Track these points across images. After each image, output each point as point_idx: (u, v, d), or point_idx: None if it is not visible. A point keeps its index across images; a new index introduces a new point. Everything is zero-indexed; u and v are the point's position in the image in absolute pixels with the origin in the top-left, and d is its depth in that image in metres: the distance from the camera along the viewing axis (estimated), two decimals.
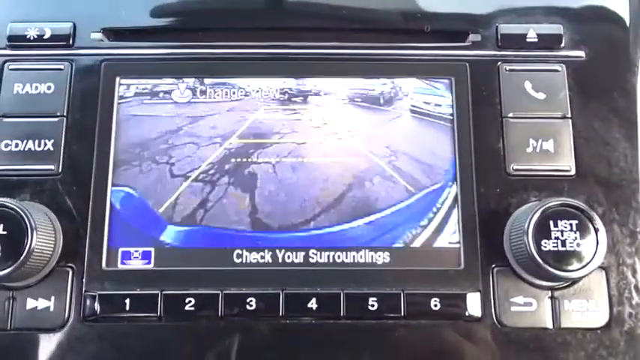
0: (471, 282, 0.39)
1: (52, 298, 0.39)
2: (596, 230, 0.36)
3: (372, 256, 0.39)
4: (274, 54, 0.43)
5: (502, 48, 0.42)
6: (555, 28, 0.43)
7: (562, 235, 0.37)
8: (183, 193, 0.40)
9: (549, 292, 0.38)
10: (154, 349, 0.38)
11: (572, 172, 0.40)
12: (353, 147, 0.41)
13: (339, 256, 0.40)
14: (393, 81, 0.42)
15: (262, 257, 0.39)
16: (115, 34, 0.43)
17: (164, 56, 0.42)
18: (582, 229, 0.37)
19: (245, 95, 0.42)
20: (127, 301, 0.38)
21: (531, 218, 0.37)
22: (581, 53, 0.42)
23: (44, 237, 0.38)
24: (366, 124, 0.42)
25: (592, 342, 0.38)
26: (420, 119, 0.42)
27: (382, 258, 0.39)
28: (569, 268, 0.36)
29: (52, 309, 0.38)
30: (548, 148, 0.40)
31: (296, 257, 0.40)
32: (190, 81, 0.42)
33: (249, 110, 0.42)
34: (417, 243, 0.39)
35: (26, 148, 0.41)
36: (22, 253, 0.37)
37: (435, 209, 0.40)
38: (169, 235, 0.40)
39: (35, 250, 0.37)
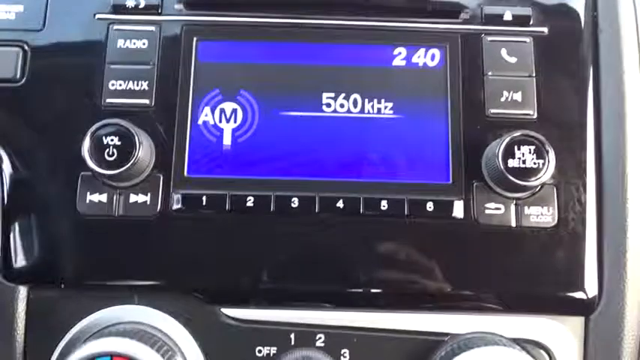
0: (457, 193, 0.52)
1: (149, 194, 0.52)
2: (547, 152, 0.50)
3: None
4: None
5: (485, 24, 0.55)
6: (526, 10, 0.56)
7: (523, 157, 0.50)
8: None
9: (514, 201, 0.52)
10: (223, 233, 0.51)
11: (535, 116, 0.53)
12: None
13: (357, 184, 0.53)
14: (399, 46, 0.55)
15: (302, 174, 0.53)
16: (192, 5, 0.57)
17: (233, 23, 0.56)
18: (538, 152, 0.50)
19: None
20: (203, 199, 0.52)
21: (501, 144, 0.50)
22: (545, 29, 0.56)
23: (145, 150, 0.51)
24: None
25: (544, 237, 0.51)
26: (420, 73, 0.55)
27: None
28: (528, 179, 0.50)
29: (148, 203, 0.51)
30: (517, 99, 0.54)
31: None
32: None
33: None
34: None
35: (128, 88, 0.54)
36: (131, 160, 0.50)
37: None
38: (234, 156, 0.53)
39: (139, 158, 0.50)
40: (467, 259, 0.51)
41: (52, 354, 0.50)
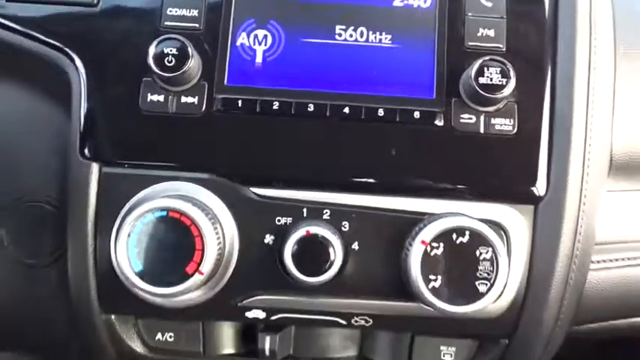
0: (439, 106, 0.64)
1: (196, 97, 0.65)
2: (509, 72, 0.62)
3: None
4: None
5: None
6: None
7: (491, 75, 0.63)
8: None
9: (483, 114, 0.64)
10: (252, 129, 0.64)
11: (504, 49, 0.66)
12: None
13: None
14: None
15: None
16: None
17: None
18: (502, 73, 0.63)
19: None
20: (239, 102, 0.64)
21: (474, 65, 0.63)
22: None
23: (195, 61, 0.64)
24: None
25: (506, 142, 0.64)
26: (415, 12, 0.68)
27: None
28: (494, 93, 0.62)
29: (195, 103, 0.64)
30: (490, 34, 0.66)
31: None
32: None
33: None
34: None
35: (182, 14, 0.67)
36: (185, 66, 0.63)
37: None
38: (264, 71, 0.66)
39: (190, 67, 0.63)
40: (444, 157, 0.65)
41: (117, 217, 0.63)
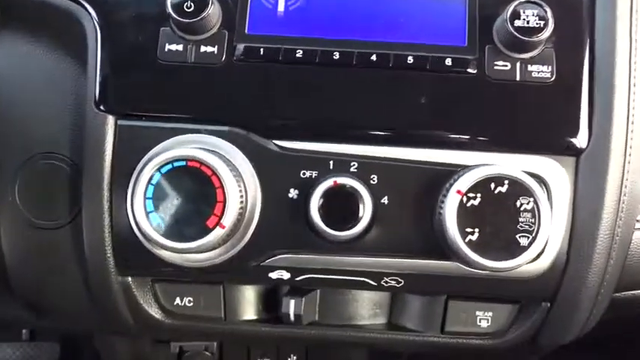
0: (472, 53, 0.61)
1: (216, 46, 0.61)
2: (547, 13, 0.59)
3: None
4: None
5: None
6: None
7: (527, 18, 0.59)
8: None
9: (519, 60, 0.61)
10: (275, 79, 0.61)
11: None
12: None
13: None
14: None
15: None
16: None
17: None
18: (539, 15, 0.59)
19: None
20: (261, 50, 0.61)
21: (509, 8, 0.59)
22: None
23: (215, 9, 0.61)
24: None
25: (544, 90, 0.60)
26: None
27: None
28: (531, 36, 0.59)
29: (215, 53, 0.61)
30: None
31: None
32: None
33: None
34: None
35: None
36: (203, 13, 0.60)
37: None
38: (286, 19, 0.63)
39: (210, 14, 0.60)
40: (479, 107, 0.61)
41: (134, 172, 0.60)
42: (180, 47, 0.61)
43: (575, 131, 0.60)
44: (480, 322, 0.64)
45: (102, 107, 0.61)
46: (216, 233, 0.56)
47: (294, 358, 1.02)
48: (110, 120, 0.61)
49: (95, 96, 0.62)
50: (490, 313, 0.64)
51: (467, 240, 0.55)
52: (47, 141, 0.65)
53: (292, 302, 0.63)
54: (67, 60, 0.67)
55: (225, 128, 0.60)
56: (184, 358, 1.01)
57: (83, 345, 1.12)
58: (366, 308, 0.68)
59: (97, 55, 0.62)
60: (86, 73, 0.63)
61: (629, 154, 0.61)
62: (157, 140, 0.60)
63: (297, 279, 0.62)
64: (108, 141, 0.61)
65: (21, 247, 0.66)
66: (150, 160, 0.58)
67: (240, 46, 0.61)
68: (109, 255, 0.62)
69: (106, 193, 0.61)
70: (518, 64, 0.61)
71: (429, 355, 0.70)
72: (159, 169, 0.57)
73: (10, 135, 0.66)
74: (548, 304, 0.62)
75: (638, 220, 0.64)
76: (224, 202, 0.56)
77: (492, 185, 0.56)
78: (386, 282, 0.62)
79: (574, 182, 0.60)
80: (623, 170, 0.60)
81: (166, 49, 0.61)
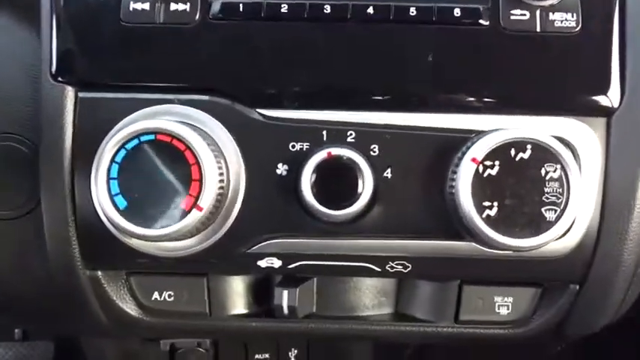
0: (484, 2, 0.53)
1: (188, 3, 0.53)
2: None
3: None
4: None
5: None
6: None
7: None
8: None
9: (539, 8, 0.52)
10: (258, 39, 0.53)
11: None
12: None
13: None
14: None
15: None
16: None
17: None
18: None
19: None
20: (240, 6, 0.53)
21: None
22: None
23: None
24: None
25: (568, 42, 0.52)
26: None
27: None
28: None
29: (187, 10, 0.53)
30: None
31: None
32: None
33: None
34: None
35: None
36: None
37: None
38: None
39: None
40: (493, 63, 0.53)
41: (97, 151, 0.52)
42: (146, 6, 0.54)
43: (605, 88, 0.52)
44: (498, 309, 0.57)
45: (59, 78, 0.54)
46: (194, 217, 0.49)
47: (295, 352, 0.95)
48: (69, 92, 0.54)
49: (51, 66, 0.54)
50: (510, 299, 0.57)
51: (484, 216, 0.48)
52: (3, 121, 0.58)
53: (285, 293, 0.56)
54: (24, 29, 0.59)
55: (201, 97, 0.53)
56: (177, 355, 0.95)
57: (78, 344, 1.08)
58: (370, 297, 0.61)
59: (51, 18, 0.55)
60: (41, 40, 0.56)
61: None
62: (123, 113, 0.53)
63: (290, 267, 0.54)
64: (67, 116, 0.54)
65: None
66: (114, 135, 0.52)
67: (216, 3, 0.54)
68: (74, 247, 0.55)
69: (66, 177, 0.54)
70: (538, 13, 0.53)
71: (439, 345, 0.63)
72: (123, 145, 0.49)
73: None
74: (577, 287, 0.55)
75: None
76: (200, 180, 0.49)
77: (513, 151, 0.48)
78: (391, 267, 0.54)
79: (605, 147, 0.52)
80: None
81: (131, 9, 0.54)
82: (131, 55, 0.54)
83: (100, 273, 0.56)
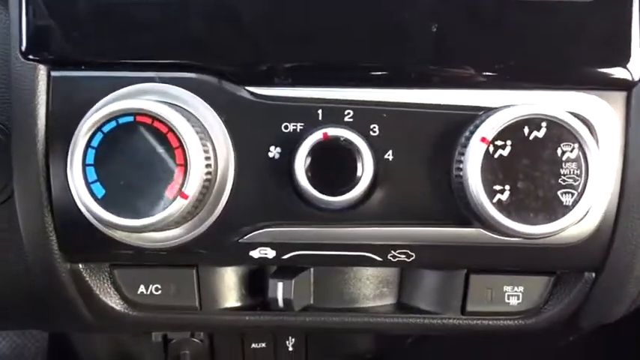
0: None
1: None
2: None
3: None
4: None
5: None
6: None
7: None
8: None
9: None
10: (245, 9, 0.48)
11: None
12: None
13: None
14: None
15: None
16: None
17: None
18: None
19: None
20: None
21: None
22: None
23: None
24: None
25: (585, 9, 0.48)
26: None
27: None
28: None
29: None
30: None
31: None
32: None
33: None
34: None
35: None
36: None
37: None
38: None
39: None
40: (502, 33, 0.49)
41: (74, 130, 0.48)
42: None
43: (624, 60, 0.48)
44: (508, 299, 0.53)
45: (30, 56, 0.50)
46: (179, 205, 0.45)
47: (293, 340, 0.93)
48: (41, 71, 0.50)
49: (21, 43, 0.50)
50: (521, 288, 0.53)
51: (495, 200, 0.45)
52: None
53: (280, 285, 0.52)
54: None
55: (185, 75, 0.49)
56: (170, 346, 0.92)
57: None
58: (371, 288, 0.57)
59: None
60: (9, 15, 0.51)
61: None
62: (100, 93, 0.49)
63: (284, 257, 0.51)
64: (40, 97, 0.50)
65: None
66: (90, 118, 0.47)
67: None
68: (51, 239, 0.51)
69: (40, 162, 0.50)
70: None
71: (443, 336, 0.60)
72: (100, 128, 0.45)
73: None
74: (593, 275, 0.52)
75: None
76: (185, 165, 0.45)
77: (526, 130, 0.45)
78: (393, 256, 0.51)
79: (625, 123, 0.49)
80: None
81: None
82: (108, 29, 0.50)
83: (81, 266, 0.53)
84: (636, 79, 0.49)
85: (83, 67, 0.50)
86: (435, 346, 0.91)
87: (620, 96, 0.49)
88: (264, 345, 0.94)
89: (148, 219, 0.45)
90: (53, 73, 0.50)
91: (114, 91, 0.49)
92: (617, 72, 0.49)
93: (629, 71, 0.49)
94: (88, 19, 0.50)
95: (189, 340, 0.90)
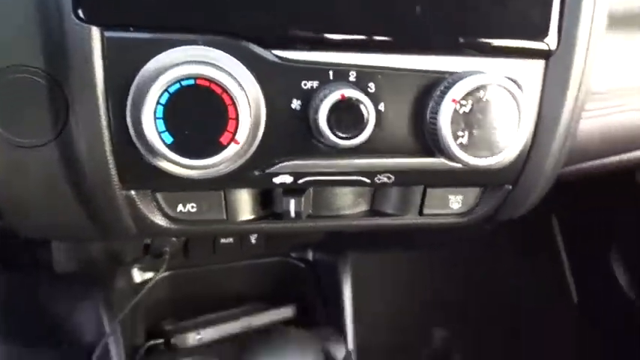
0: None
1: None
2: None
3: None
4: None
5: None
6: None
7: None
8: None
9: None
10: None
11: None
12: None
13: None
14: None
15: None
16: None
17: None
18: None
19: None
20: None
21: None
22: None
23: None
24: None
25: None
26: None
27: None
28: None
29: None
30: None
31: None
32: None
33: None
34: None
35: None
36: None
37: None
38: None
39: None
40: (462, 13, 0.63)
41: (130, 88, 0.58)
42: None
43: (544, 35, 0.65)
44: (452, 204, 0.74)
45: (82, 17, 0.56)
46: (231, 149, 0.57)
47: (255, 235, 1.09)
48: (95, 33, 0.57)
49: (73, 4, 0.56)
50: (460, 197, 0.74)
51: (458, 142, 0.62)
52: (18, 53, 0.60)
53: (292, 201, 0.68)
54: None
55: (225, 39, 0.59)
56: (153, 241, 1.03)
57: None
58: (351, 199, 0.74)
59: None
60: None
61: (589, 54, 0.68)
62: (150, 53, 0.58)
63: (300, 182, 0.65)
64: (96, 56, 0.57)
65: (2, 168, 0.63)
66: (149, 76, 0.57)
67: None
68: (112, 172, 0.61)
69: (102, 113, 0.58)
70: None
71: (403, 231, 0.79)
72: (166, 89, 0.55)
73: None
74: (510, 187, 0.73)
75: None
76: (237, 119, 0.57)
77: (482, 93, 0.61)
78: (379, 179, 0.67)
79: (542, 84, 0.67)
80: (584, 69, 0.68)
81: None
82: None
83: (133, 192, 0.64)
84: (553, 49, 0.66)
85: (132, 29, 0.57)
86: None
87: (540, 63, 0.66)
88: (231, 240, 1.09)
89: (208, 160, 0.57)
90: (107, 34, 0.57)
91: (162, 51, 0.58)
92: (538, 45, 0.66)
93: (547, 44, 0.66)
94: None
95: (168, 238, 1.03)
